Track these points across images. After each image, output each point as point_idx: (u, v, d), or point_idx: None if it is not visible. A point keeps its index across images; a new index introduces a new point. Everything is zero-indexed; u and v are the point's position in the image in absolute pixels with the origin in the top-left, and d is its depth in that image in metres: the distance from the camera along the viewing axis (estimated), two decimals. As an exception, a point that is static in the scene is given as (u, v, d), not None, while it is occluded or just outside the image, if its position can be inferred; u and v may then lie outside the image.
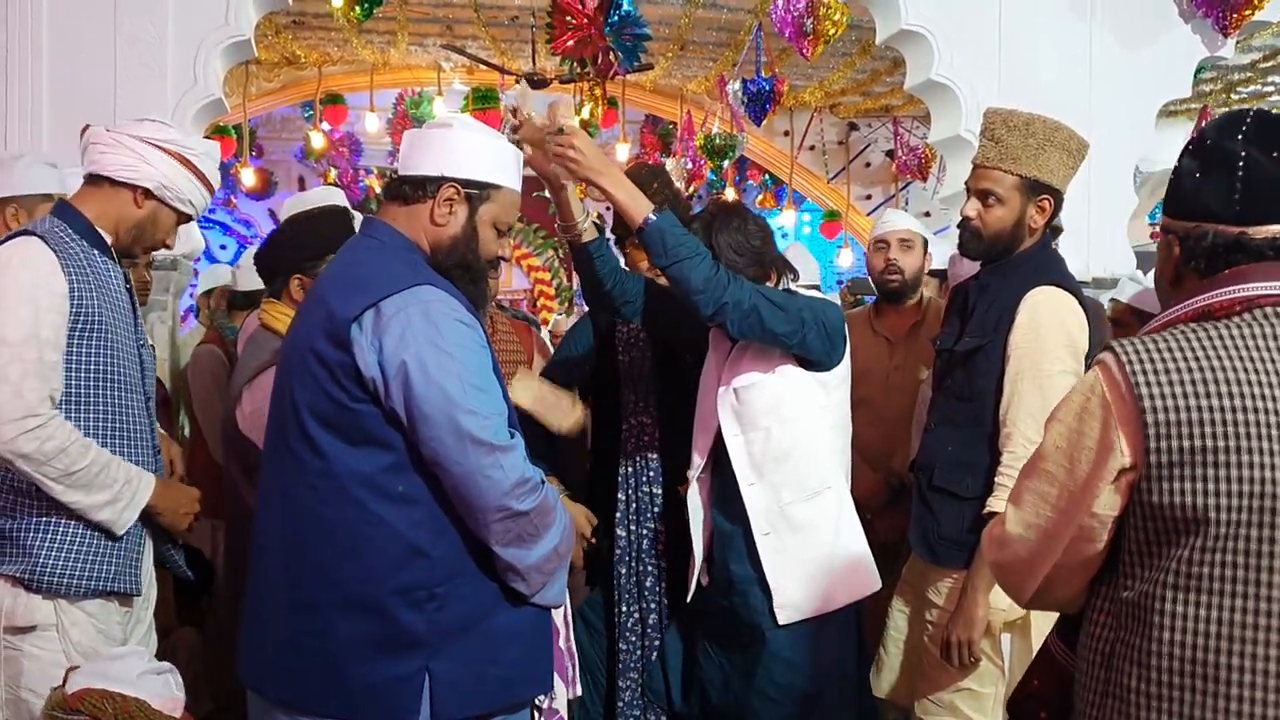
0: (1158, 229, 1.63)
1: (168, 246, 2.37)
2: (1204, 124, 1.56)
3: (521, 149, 2.25)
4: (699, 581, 2.56)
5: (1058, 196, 2.45)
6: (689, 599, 2.58)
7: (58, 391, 2.11)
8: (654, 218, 2.24)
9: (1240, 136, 1.45)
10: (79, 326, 2.15)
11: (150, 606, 2.41)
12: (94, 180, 2.26)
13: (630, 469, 2.79)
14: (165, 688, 1.97)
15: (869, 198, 9.71)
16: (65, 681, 1.95)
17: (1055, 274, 2.44)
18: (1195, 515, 1.36)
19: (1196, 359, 1.39)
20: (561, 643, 2.22)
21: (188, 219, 2.36)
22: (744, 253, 2.40)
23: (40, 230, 2.15)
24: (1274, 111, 1.52)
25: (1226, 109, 7.87)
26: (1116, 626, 1.46)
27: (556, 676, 2.30)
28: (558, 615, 2.16)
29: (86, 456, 2.10)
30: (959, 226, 2.54)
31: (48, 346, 2.08)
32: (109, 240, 2.27)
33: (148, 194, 2.25)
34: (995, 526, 1.58)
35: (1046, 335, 2.34)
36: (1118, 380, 1.41)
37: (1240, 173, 1.44)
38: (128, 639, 2.29)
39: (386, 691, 1.86)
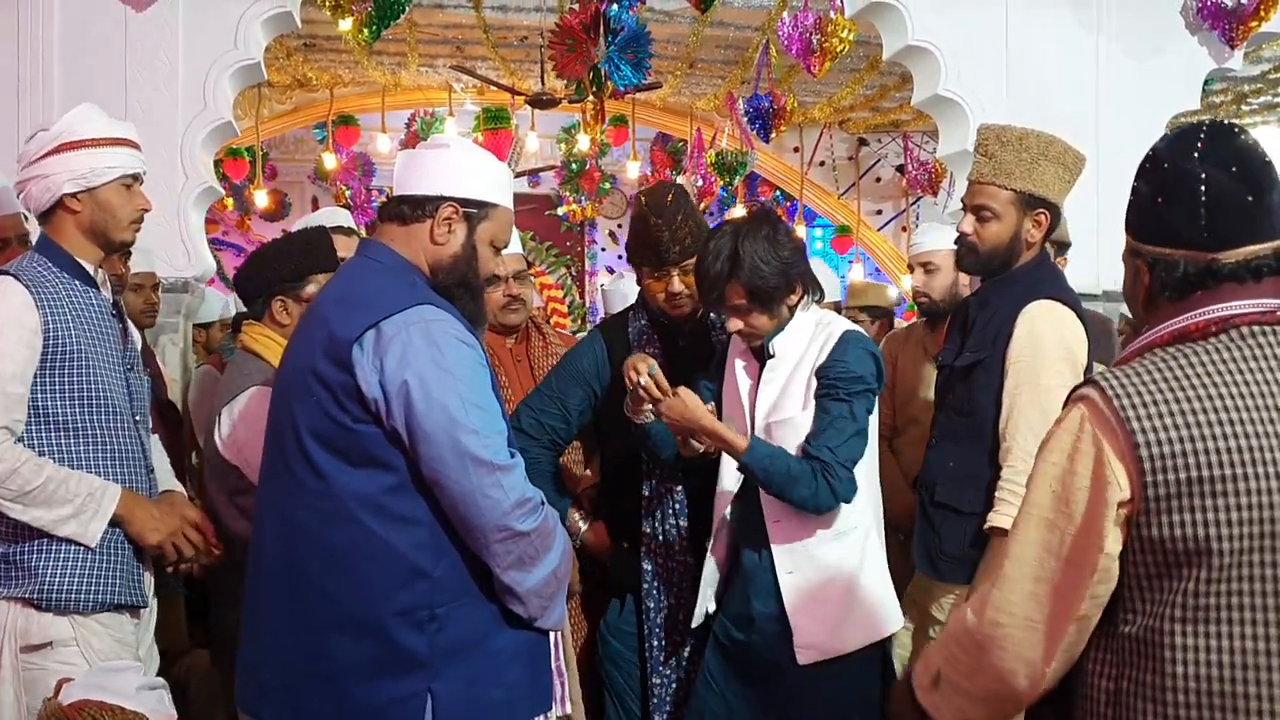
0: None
1: (146, 210, 2.36)
2: (1157, 143, 1.51)
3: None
4: (706, 611, 2.52)
5: (1054, 210, 2.44)
6: (692, 626, 2.53)
7: (18, 424, 2.17)
8: (747, 452, 2.30)
9: (1196, 155, 1.41)
10: (57, 358, 2.20)
11: (154, 618, 2.45)
12: (41, 218, 2.31)
13: (656, 500, 2.68)
14: (160, 703, 1.98)
15: (879, 213, 9.70)
16: (58, 692, 1.95)
17: (1053, 287, 2.43)
18: (1198, 547, 1.33)
19: (1182, 387, 1.35)
20: (553, 662, 2.21)
21: (133, 177, 2.34)
22: (769, 262, 2.31)
23: (14, 269, 2.21)
24: (1226, 122, 1.48)
25: (1237, 120, 7.85)
26: (1119, 664, 1.41)
27: None
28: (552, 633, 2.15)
29: (40, 474, 2.14)
30: (956, 242, 2.54)
31: (12, 380, 2.15)
32: (90, 268, 2.31)
33: (72, 196, 2.26)
34: (980, 630, 1.44)
35: (1044, 348, 2.33)
36: (1106, 415, 1.37)
37: (1203, 197, 1.39)
38: (139, 647, 2.33)
39: (388, 712, 1.85)
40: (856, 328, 2.43)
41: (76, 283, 2.26)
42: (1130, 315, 3.90)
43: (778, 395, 2.39)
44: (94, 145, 2.27)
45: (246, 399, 2.55)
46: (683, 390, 2.32)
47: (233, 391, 2.58)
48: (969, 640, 1.49)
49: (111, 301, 2.36)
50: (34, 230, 2.68)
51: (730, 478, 2.48)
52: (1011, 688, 1.46)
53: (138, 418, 2.37)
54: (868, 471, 2.46)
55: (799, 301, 2.40)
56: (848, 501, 2.30)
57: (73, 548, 2.20)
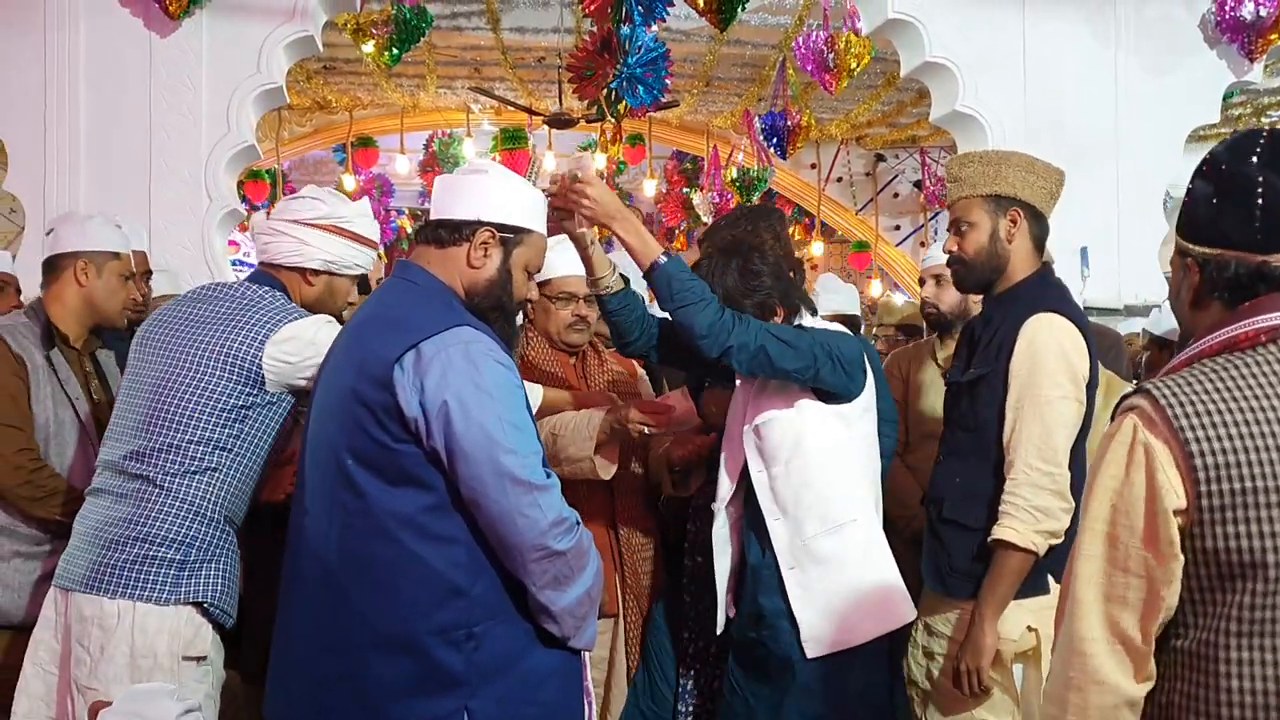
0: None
1: (353, 304, 2.49)
2: (1215, 146, 1.53)
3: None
4: (726, 614, 2.55)
5: (1031, 211, 2.44)
6: (718, 631, 2.57)
7: None
8: (663, 261, 2.30)
9: (1255, 159, 1.42)
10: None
11: None
12: (270, 267, 2.37)
13: (701, 500, 2.75)
14: None
15: (897, 228, 9.72)
16: (94, 718, 1.96)
17: (1054, 301, 2.43)
18: (1252, 559, 1.32)
19: (1234, 396, 1.35)
20: (583, 682, 2.23)
21: (359, 277, 2.47)
22: (745, 295, 2.43)
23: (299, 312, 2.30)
24: None
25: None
26: (1171, 677, 1.41)
27: None
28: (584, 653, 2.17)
29: None
30: (948, 265, 2.58)
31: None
32: None
33: (315, 272, 2.36)
34: (1071, 667, 1.40)
35: (1044, 361, 2.33)
36: (1159, 423, 1.37)
37: (1259, 199, 1.40)
38: None
39: None
40: (841, 328, 2.51)
41: None
42: (1151, 332, 3.90)
43: (763, 396, 2.45)
44: (358, 241, 2.39)
45: None
46: (598, 183, 2.33)
47: None
48: (1063, 687, 1.44)
49: None
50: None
51: (726, 485, 2.52)
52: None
53: None
54: (869, 474, 2.51)
55: (782, 322, 2.47)
56: (740, 360, 2.29)
57: (229, 563, 2.25)
